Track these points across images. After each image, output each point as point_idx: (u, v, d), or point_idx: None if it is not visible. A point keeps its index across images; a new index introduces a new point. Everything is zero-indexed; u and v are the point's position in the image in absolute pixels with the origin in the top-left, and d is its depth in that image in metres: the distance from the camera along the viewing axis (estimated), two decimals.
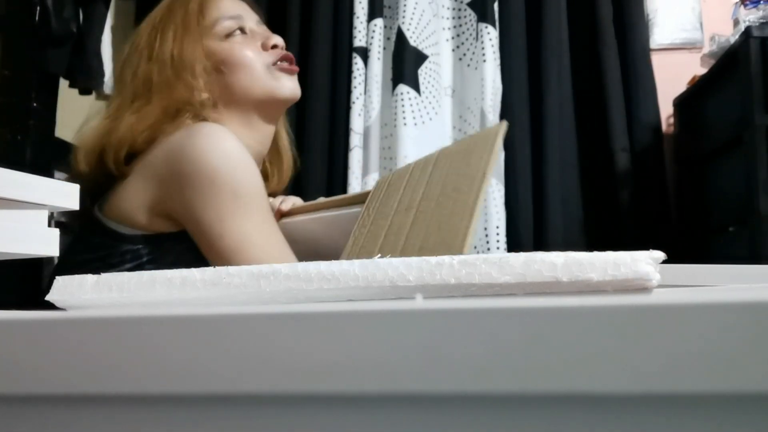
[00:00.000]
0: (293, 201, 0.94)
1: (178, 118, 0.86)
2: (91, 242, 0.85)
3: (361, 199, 0.81)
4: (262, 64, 0.92)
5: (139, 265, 0.83)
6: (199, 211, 0.79)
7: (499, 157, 1.63)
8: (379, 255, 0.60)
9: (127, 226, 0.84)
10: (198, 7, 0.92)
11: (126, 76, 0.91)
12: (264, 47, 0.93)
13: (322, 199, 0.93)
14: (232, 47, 0.91)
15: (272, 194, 1.05)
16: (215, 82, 0.90)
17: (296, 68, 0.95)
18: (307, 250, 0.90)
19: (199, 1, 0.93)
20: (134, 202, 0.84)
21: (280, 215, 0.92)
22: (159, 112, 0.86)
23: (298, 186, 1.65)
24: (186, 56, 0.88)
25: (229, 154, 0.80)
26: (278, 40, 0.94)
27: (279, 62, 0.93)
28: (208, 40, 0.91)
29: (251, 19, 0.96)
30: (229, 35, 0.92)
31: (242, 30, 0.94)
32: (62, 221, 1.50)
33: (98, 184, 0.90)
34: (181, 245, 0.83)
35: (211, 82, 0.90)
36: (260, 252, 0.78)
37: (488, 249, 1.61)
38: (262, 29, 0.96)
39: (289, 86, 0.93)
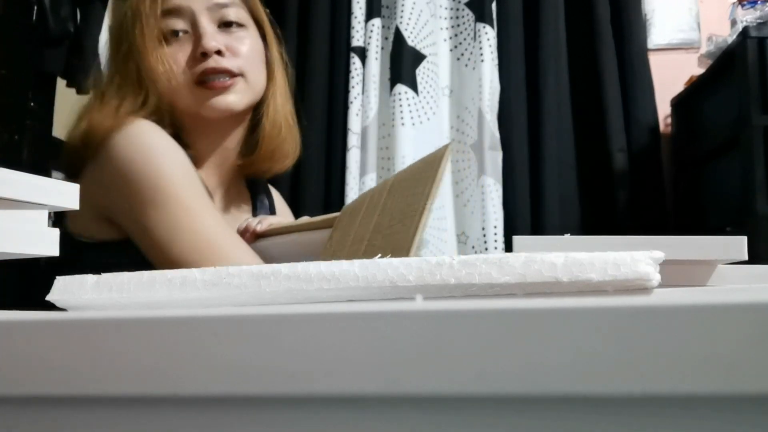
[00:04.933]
0: (270, 221, 0.89)
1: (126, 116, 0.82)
2: (62, 255, 0.83)
3: (334, 222, 0.80)
4: (186, 80, 0.84)
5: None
6: (126, 211, 0.77)
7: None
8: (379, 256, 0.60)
9: (86, 237, 0.82)
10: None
11: (105, 71, 0.88)
12: (193, 55, 0.84)
13: (303, 219, 0.91)
14: (162, 56, 0.83)
15: (254, 174, 1.01)
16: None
17: (222, 84, 0.84)
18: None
19: None
20: (85, 211, 0.81)
21: (255, 236, 0.87)
22: (110, 110, 0.82)
23: (295, 186, 1.65)
24: (136, 55, 0.83)
25: (142, 146, 0.77)
26: (207, 44, 0.83)
27: (204, 78, 0.84)
28: (150, 45, 0.83)
29: (203, 6, 0.85)
30: (168, 37, 0.84)
31: (185, 30, 0.85)
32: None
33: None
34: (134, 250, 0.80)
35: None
36: (191, 235, 0.75)
37: (486, 249, 1.61)
38: (206, 24, 0.85)
39: (213, 108, 0.85)
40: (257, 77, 0.90)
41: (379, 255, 0.57)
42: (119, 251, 0.80)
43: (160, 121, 0.83)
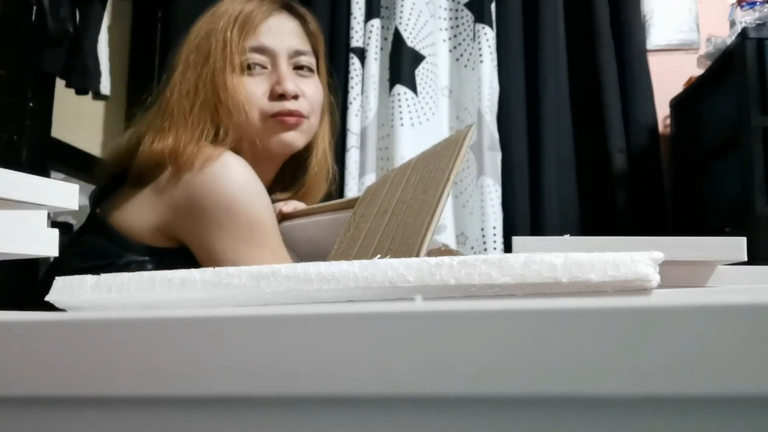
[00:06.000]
0: (295, 204, 0.95)
1: (207, 141, 0.86)
2: (94, 247, 0.86)
3: (356, 203, 0.84)
4: (260, 113, 0.90)
5: None
6: (214, 239, 0.81)
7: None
8: (380, 256, 0.60)
9: (131, 237, 0.85)
10: (239, 29, 0.90)
11: (169, 88, 0.90)
12: (272, 93, 0.90)
13: (323, 203, 0.95)
14: (240, 85, 0.89)
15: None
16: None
17: (293, 121, 0.91)
18: (307, 252, 0.91)
19: (242, 20, 0.90)
20: (143, 216, 0.85)
21: (281, 217, 0.92)
22: (197, 134, 0.86)
23: None
24: (219, 82, 0.88)
25: (244, 184, 0.82)
26: (288, 87, 0.90)
27: (278, 116, 0.90)
28: (228, 70, 0.89)
29: (285, 50, 0.92)
30: (249, 69, 0.90)
31: (264, 66, 0.91)
32: (58, 221, 1.49)
33: (102, 188, 0.91)
34: (184, 262, 0.83)
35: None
36: None
37: (485, 249, 1.61)
38: (285, 67, 0.92)
39: (280, 142, 0.91)
40: (316, 121, 0.97)
41: (402, 224, 0.59)
42: (181, 259, 0.84)
43: (238, 152, 0.87)
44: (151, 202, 0.84)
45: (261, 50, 0.91)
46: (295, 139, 0.93)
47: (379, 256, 0.56)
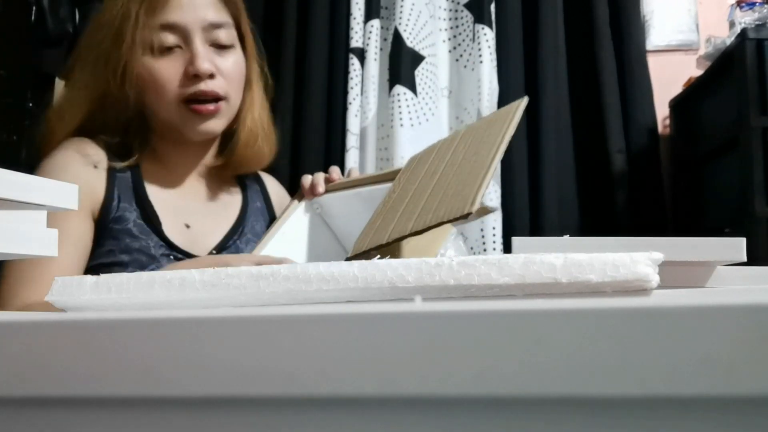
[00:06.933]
0: (339, 174, 0.95)
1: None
2: None
3: (396, 175, 0.86)
4: (175, 97, 0.86)
5: None
6: None
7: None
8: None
9: None
10: (147, 6, 0.85)
11: (74, 75, 0.91)
12: (185, 74, 0.86)
13: (362, 175, 0.97)
14: (152, 68, 0.86)
15: (234, 171, 1.02)
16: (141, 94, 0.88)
17: (211, 110, 0.87)
18: (345, 223, 0.93)
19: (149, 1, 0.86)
20: None
21: (326, 184, 0.93)
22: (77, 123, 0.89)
23: (295, 187, 1.65)
24: (126, 61, 0.85)
25: (52, 159, 0.86)
26: (201, 67, 0.85)
27: (192, 101, 0.86)
28: (139, 52, 0.85)
29: (198, 24, 0.86)
30: (160, 49, 0.86)
31: (179, 45, 0.86)
32: None
33: None
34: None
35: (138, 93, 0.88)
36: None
37: (485, 250, 1.61)
38: (199, 44, 0.86)
39: (198, 132, 0.88)
40: (237, 97, 0.93)
41: (454, 181, 0.59)
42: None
43: (163, 136, 0.89)
44: None
45: (171, 27, 0.86)
46: (213, 126, 0.89)
47: (414, 232, 0.56)
